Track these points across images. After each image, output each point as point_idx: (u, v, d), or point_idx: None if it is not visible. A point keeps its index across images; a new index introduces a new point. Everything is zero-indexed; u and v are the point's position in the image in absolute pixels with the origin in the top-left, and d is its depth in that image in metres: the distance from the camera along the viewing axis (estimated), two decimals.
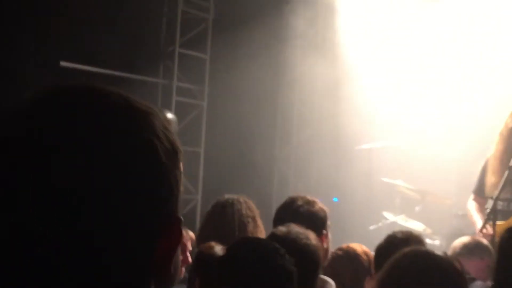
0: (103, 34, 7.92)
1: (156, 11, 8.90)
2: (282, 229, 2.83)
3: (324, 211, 3.45)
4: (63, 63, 7.55)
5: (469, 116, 8.13)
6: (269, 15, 9.26)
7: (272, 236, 2.77)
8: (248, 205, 3.73)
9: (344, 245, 3.86)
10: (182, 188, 0.92)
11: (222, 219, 3.64)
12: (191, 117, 9.11)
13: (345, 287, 3.55)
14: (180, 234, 0.88)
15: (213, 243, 3.22)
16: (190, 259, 3.86)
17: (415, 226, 7.52)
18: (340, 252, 3.74)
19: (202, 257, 3.17)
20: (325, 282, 3.21)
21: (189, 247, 3.94)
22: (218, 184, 8.77)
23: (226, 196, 3.83)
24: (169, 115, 7.01)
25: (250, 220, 3.65)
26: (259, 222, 3.64)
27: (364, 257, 3.71)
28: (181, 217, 0.89)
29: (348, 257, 3.70)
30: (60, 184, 0.79)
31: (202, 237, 3.62)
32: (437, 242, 7.38)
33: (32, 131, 0.82)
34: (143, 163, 0.84)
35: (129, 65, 8.34)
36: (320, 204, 3.48)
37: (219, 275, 2.38)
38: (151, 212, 0.84)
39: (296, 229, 2.83)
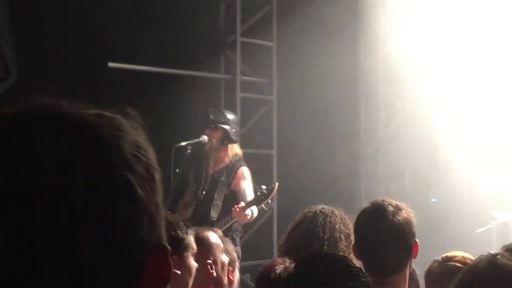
0: (152, 30, 8.11)
1: None
2: None
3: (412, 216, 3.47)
4: (112, 64, 7.78)
5: None
6: None
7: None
8: (344, 221, 3.78)
9: (457, 256, 3.82)
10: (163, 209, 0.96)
11: (310, 231, 3.71)
12: (259, 115, 9.19)
13: None
14: (168, 265, 0.93)
15: (280, 260, 3.30)
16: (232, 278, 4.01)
17: None
18: (459, 265, 3.70)
19: (262, 275, 3.28)
20: None
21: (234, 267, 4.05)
22: (295, 190, 8.82)
23: (320, 205, 3.90)
24: (229, 115, 7.12)
25: (343, 237, 3.70)
26: None
27: None
28: (167, 246, 0.94)
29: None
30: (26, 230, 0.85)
31: (285, 250, 3.69)
32: None
33: None
34: (115, 203, 0.89)
35: (185, 61, 8.50)
36: (407, 208, 3.50)
37: None
38: (131, 250, 0.90)
39: None
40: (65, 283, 0.86)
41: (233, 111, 8.28)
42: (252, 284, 8.86)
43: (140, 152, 0.93)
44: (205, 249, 3.84)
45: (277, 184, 6.62)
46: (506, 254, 2.48)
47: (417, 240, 3.40)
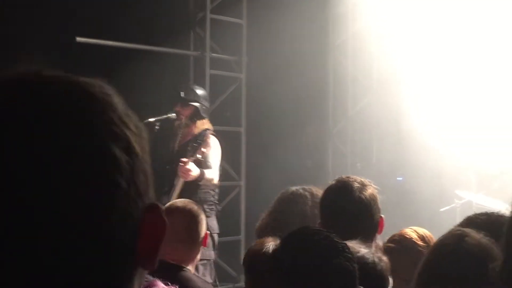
0: (123, 6, 8.05)
1: None
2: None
3: (376, 192, 3.50)
4: (80, 39, 7.71)
5: None
6: None
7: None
8: (316, 199, 3.78)
9: (396, 234, 3.85)
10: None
11: (284, 218, 3.74)
12: (229, 92, 9.18)
13: (408, 283, 3.57)
14: (163, 223, 0.94)
15: (271, 238, 3.33)
16: None
17: (494, 205, 7.49)
18: (393, 245, 3.73)
19: (252, 252, 3.31)
20: None
21: None
22: (263, 167, 8.86)
23: (291, 189, 3.91)
24: (199, 91, 7.10)
25: (317, 219, 3.72)
26: None
27: (422, 243, 3.70)
28: (160, 204, 0.94)
29: (404, 249, 3.69)
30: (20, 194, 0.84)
31: (262, 235, 3.71)
32: None
33: None
34: (118, 153, 0.89)
35: (154, 37, 8.45)
36: (372, 184, 3.52)
37: (270, 269, 2.49)
38: (132, 205, 0.90)
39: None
40: (67, 239, 0.86)
41: (202, 88, 8.27)
42: (219, 260, 8.88)
43: (129, 112, 0.94)
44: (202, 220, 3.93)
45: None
46: (473, 233, 2.50)
47: (382, 215, 3.44)
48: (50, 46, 7.33)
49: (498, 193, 7.70)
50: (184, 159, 6.38)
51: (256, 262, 3.29)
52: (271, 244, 3.26)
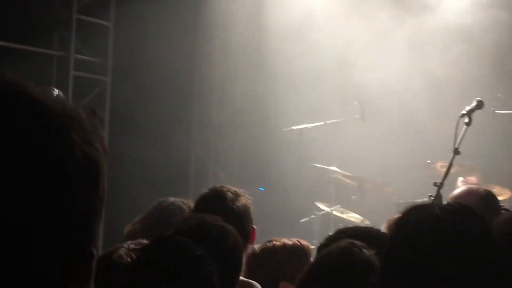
0: None
1: None
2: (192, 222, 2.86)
3: (250, 202, 3.53)
4: None
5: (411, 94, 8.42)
6: None
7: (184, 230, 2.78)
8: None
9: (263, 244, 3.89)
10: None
11: (159, 227, 3.69)
12: (92, 95, 9.03)
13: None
14: (91, 274, 0.94)
15: (126, 243, 3.27)
16: None
17: (352, 217, 7.73)
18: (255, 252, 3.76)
19: (104, 257, 3.23)
20: (249, 285, 3.29)
21: None
22: (124, 175, 8.72)
23: (170, 200, 3.87)
24: (60, 93, 6.95)
25: None
26: None
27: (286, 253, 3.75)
28: (94, 253, 0.95)
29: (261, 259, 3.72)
30: None
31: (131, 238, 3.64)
32: None
33: None
34: (52, 193, 0.90)
35: (16, 34, 8.18)
36: (245, 194, 3.55)
37: (130, 283, 2.42)
38: (62, 247, 0.91)
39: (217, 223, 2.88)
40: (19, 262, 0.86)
41: (65, 90, 8.08)
42: None
43: (87, 146, 0.94)
44: None
45: None
46: (359, 243, 2.56)
47: (255, 226, 3.46)
48: None
49: (355, 205, 7.95)
50: None
51: (105, 270, 3.21)
52: (122, 249, 3.19)
